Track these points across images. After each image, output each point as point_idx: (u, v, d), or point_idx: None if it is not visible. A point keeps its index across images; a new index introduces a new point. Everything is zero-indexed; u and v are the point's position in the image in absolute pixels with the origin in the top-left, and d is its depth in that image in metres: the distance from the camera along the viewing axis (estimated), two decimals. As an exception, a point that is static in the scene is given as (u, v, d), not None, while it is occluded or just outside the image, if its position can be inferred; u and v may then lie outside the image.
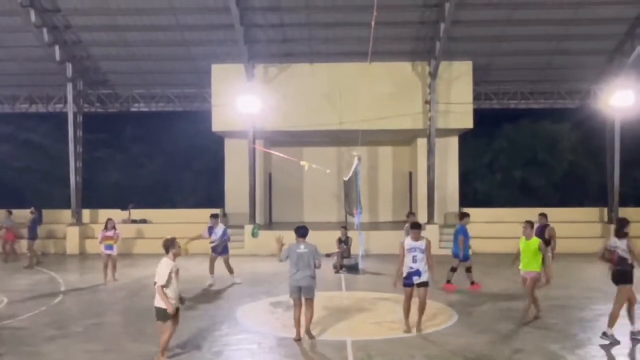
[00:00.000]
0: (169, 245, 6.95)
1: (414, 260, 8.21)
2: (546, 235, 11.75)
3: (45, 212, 20.42)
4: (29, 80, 20.00)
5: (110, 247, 12.50)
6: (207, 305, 10.42)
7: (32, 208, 17.48)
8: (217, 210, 17.70)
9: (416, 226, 8.56)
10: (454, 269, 11.95)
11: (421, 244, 8.29)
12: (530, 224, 9.37)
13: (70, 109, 19.38)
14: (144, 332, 8.43)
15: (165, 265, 6.84)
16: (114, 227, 12.66)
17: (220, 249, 12.71)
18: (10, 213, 17.77)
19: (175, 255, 6.96)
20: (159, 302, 6.79)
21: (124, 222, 20.03)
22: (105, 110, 20.86)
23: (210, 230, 12.86)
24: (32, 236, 16.55)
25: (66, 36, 18.06)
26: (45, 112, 21.19)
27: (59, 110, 20.54)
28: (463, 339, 8.00)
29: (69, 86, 19.15)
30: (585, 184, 29.13)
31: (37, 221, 17.14)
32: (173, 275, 6.85)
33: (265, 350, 7.59)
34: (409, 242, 8.35)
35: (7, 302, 10.70)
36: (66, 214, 20.01)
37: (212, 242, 12.79)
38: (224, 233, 12.72)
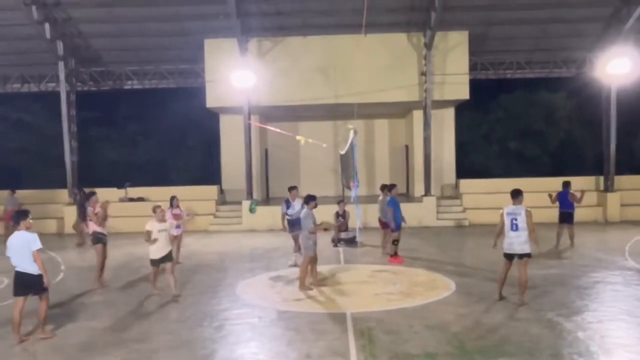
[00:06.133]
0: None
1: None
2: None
3: (42, 192, 20.43)
4: (20, 60, 19.75)
5: None
6: (207, 281, 10.49)
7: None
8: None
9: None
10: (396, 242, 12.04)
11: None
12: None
13: (62, 88, 19.20)
14: (146, 309, 8.54)
15: None
16: None
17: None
18: (14, 192, 17.81)
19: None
20: None
21: (121, 200, 20.04)
22: (98, 88, 20.69)
23: (288, 204, 11.72)
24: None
25: (55, 13, 17.76)
26: (38, 91, 21.01)
27: (52, 89, 20.38)
28: (461, 308, 8.10)
29: (61, 64, 18.94)
30: (581, 153, 29.16)
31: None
32: None
33: (265, 324, 7.67)
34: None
35: (8, 282, 10.74)
36: (63, 194, 19.98)
37: (288, 215, 11.64)
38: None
